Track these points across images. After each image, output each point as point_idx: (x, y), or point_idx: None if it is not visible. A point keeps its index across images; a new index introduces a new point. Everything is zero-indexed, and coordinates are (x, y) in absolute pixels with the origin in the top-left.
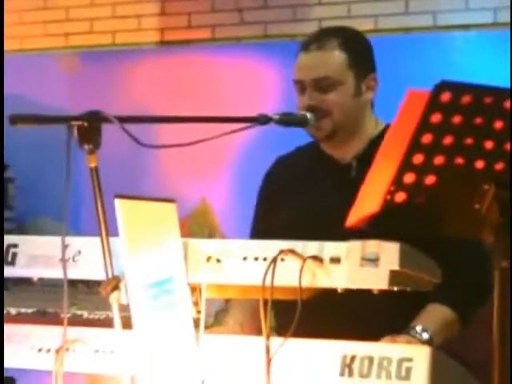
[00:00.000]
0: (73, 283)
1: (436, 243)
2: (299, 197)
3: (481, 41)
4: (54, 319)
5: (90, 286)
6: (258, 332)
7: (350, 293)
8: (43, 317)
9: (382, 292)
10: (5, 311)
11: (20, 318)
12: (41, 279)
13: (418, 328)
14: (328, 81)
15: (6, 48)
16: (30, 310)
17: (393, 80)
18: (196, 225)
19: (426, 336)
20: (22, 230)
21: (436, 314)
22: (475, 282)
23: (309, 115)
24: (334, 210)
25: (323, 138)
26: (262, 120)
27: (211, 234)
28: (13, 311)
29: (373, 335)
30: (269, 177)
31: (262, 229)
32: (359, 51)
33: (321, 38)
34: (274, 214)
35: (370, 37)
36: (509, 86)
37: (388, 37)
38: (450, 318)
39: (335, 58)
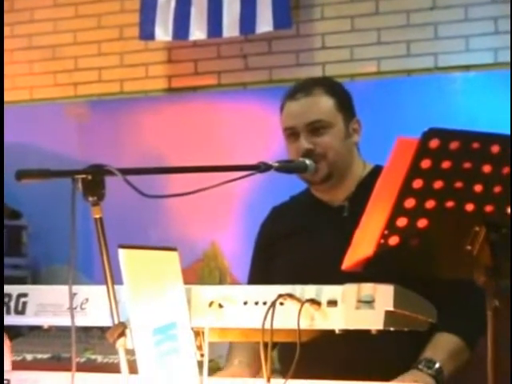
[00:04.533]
0: (86, 328)
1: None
2: (295, 243)
3: (481, 81)
4: (68, 364)
5: (104, 330)
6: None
7: (352, 334)
8: (58, 362)
9: (383, 332)
10: (21, 357)
11: (35, 365)
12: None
13: (426, 361)
14: (320, 123)
15: (16, 98)
16: (45, 356)
17: (396, 121)
18: (207, 268)
19: (435, 367)
20: (35, 278)
21: (444, 344)
22: (478, 308)
23: (307, 161)
24: (330, 251)
25: (319, 181)
26: (262, 168)
27: (222, 277)
28: (29, 357)
29: (378, 375)
30: (264, 227)
31: (260, 278)
32: (343, 97)
33: (306, 87)
34: (271, 263)
35: (373, 79)
36: (509, 125)
37: (391, 79)
38: (458, 346)
39: (324, 102)
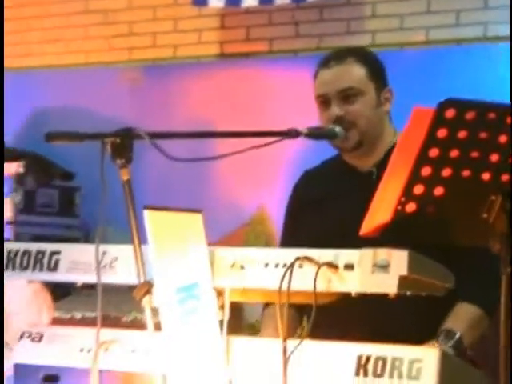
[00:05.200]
0: (132, 288)
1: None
2: (325, 208)
3: None
4: (115, 322)
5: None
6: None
7: (372, 299)
8: (106, 320)
9: (402, 298)
10: (69, 315)
11: (83, 322)
12: (104, 284)
13: (446, 331)
14: (352, 91)
15: (71, 62)
16: (93, 314)
17: (444, 90)
18: (253, 233)
19: (455, 337)
20: (87, 238)
21: (463, 314)
22: (496, 276)
23: (337, 128)
24: (357, 216)
25: (350, 148)
26: (292, 134)
27: (268, 242)
28: (78, 315)
29: (401, 340)
30: (295, 191)
31: (290, 242)
32: (376, 66)
33: (339, 55)
34: (302, 227)
35: (421, 48)
36: None
37: (439, 48)
38: (477, 315)
39: (356, 70)
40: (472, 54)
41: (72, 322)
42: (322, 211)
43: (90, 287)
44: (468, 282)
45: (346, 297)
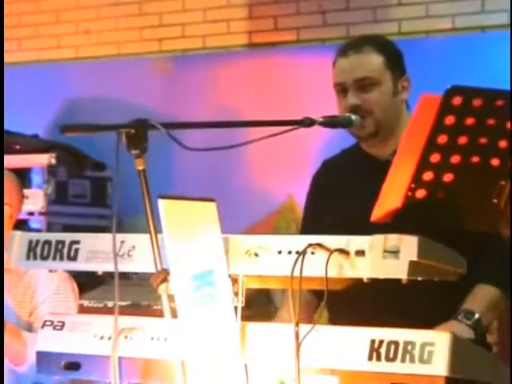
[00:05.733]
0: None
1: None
2: (344, 196)
3: None
4: (146, 311)
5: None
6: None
7: (387, 285)
8: (137, 309)
9: (417, 283)
10: (102, 304)
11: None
12: (137, 273)
13: (466, 312)
14: (368, 80)
15: (103, 53)
16: (124, 303)
17: (469, 77)
18: (283, 220)
19: (474, 317)
20: (120, 227)
21: (482, 295)
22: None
23: (353, 116)
24: (373, 204)
25: (366, 136)
26: (307, 122)
27: (298, 229)
28: (109, 304)
29: (417, 324)
30: (315, 179)
31: (310, 229)
32: (393, 54)
33: (357, 44)
34: (321, 215)
35: (447, 35)
36: None
37: (465, 35)
38: (495, 296)
39: (373, 59)
40: (497, 41)
41: (104, 310)
42: (340, 198)
43: (123, 276)
44: (485, 265)
45: (360, 282)
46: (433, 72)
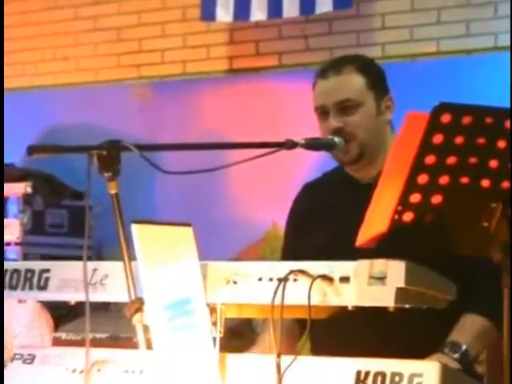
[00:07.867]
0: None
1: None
2: (326, 220)
3: None
4: (126, 343)
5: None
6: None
7: (372, 312)
8: (116, 341)
9: (404, 311)
10: (80, 336)
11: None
12: (116, 304)
13: (452, 344)
14: (350, 102)
15: (81, 80)
16: (104, 335)
17: (455, 100)
18: (268, 248)
19: (461, 350)
20: (100, 258)
21: (470, 326)
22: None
23: (336, 139)
24: (356, 228)
25: (351, 161)
26: (289, 144)
27: None
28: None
29: (404, 354)
30: (295, 204)
31: (291, 255)
32: (375, 74)
33: (336, 65)
34: (302, 240)
35: (432, 59)
36: None
37: (450, 59)
38: (484, 327)
39: (354, 81)
40: (482, 65)
41: (82, 343)
42: (322, 222)
43: (101, 307)
44: (474, 293)
45: (344, 310)
46: (418, 96)
